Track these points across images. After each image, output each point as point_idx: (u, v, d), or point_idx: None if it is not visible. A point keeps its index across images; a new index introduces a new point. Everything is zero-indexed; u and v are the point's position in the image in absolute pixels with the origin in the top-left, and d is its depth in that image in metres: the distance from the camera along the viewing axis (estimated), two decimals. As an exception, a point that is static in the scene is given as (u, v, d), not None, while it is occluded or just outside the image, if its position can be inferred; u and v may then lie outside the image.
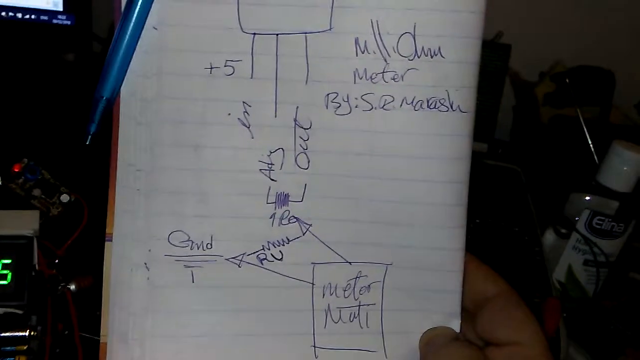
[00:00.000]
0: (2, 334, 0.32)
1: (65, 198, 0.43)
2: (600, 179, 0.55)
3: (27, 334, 0.32)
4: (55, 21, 0.57)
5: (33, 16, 0.57)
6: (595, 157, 0.62)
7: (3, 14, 0.56)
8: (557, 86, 0.70)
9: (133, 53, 0.27)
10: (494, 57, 0.67)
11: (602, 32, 0.74)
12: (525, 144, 0.73)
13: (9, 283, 0.33)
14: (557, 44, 0.74)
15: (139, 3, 0.26)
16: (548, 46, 0.73)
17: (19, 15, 0.57)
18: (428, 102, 0.27)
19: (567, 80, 0.68)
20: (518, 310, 0.27)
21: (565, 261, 0.56)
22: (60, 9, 0.57)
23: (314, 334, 0.28)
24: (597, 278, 0.55)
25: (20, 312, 0.33)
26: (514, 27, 0.67)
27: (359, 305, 0.29)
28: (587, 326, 0.53)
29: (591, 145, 0.63)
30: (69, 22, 0.58)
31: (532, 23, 0.73)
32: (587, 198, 0.56)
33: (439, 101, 0.27)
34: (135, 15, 0.26)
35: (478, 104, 0.28)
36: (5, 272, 0.33)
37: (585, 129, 0.64)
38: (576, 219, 0.55)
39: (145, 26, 0.26)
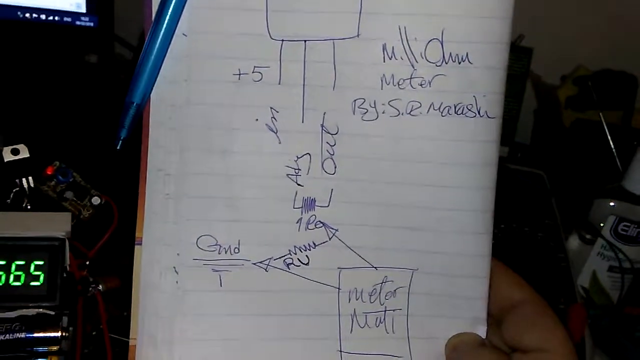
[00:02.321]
0: (35, 335, 0.32)
1: (96, 200, 0.43)
2: (625, 185, 0.55)
3: (59, 334, 0.33)
4: (78, 23, 0.58)
5: (57, 17, 0.58)
6: (618, 161, 0.61)
7: (27, 15, 0.57)
8: (579, 89, 0.69)
9: (163, 60, 0.27)
10: (515, 60, 0.67)
11: (625, 35, 0.73)
12: (547, 147, 0.72)
13: (41, 284, 0.34)
14: (579, 47, 0.73)
15: (170, 11, 0.26)
16: (570, 49, 0.73)
17: (43, 16, 0.58)
18: (455, 108, 0.27)
19: (590, 84, 0.67)
20: (545, 316, 0.27)
21: (590, 267, 0.56)
22: (84, 10, 0.58)
23: (340, 338, 0.29)
24: (622, 284, 0.55)
25: (52, 313, 0.34)
26: (535, 30, 0.67)
27: (385, 310, 0.29)
28: (611, 333, 0.52)
29: (614, 150, 0.62)
30: (91, 24, 0.58)
31: (554, 26, 0.72)
32: (612, 204, 0.55)
33: (467, 107, 0.27)
34: (165, 22, 0.26)
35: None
36: (37, 273, 0.34)
37: (607, 133, 0.63)
38: (601, 224, 0.55)
39: (175, 33, 0.27)
